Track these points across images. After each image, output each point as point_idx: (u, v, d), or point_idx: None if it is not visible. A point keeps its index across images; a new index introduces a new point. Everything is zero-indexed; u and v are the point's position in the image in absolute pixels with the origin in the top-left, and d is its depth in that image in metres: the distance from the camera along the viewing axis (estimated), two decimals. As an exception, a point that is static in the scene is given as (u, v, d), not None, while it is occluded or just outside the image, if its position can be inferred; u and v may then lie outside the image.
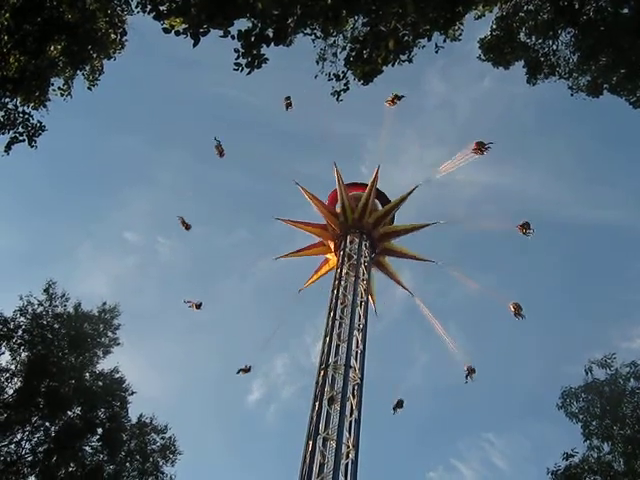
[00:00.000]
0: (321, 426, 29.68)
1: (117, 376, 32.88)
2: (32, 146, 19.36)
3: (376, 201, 47.09)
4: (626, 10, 19.72)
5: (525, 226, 41.48)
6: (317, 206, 46.01)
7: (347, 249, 42.27)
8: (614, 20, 19.48)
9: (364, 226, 44.09)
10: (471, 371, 40.58)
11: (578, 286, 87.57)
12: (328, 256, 45.83)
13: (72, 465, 30.29)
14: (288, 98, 44.54)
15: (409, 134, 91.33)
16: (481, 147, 41.41)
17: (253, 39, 12.28)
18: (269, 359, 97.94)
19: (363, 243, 42.92)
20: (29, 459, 29.95)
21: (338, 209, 45.97)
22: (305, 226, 46.57)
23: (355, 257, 41.56)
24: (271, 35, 12.51)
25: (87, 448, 31.11)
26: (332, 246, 44.85)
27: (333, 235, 44.96)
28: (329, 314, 36.99)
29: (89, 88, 20.66)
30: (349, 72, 14.27)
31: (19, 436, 30.18)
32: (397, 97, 41.30)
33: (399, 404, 40.10)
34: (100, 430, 31.37)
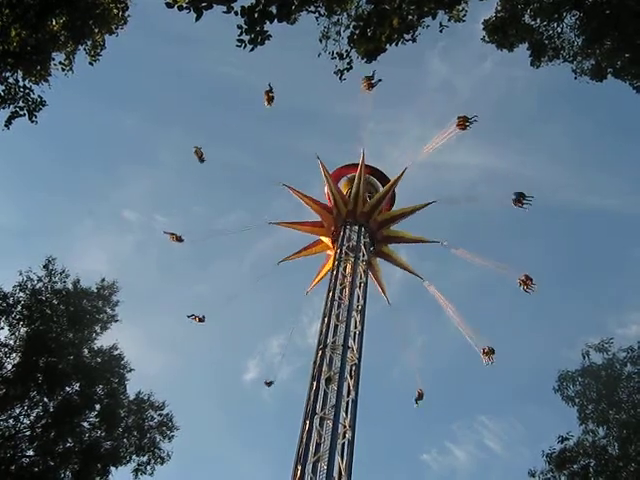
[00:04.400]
0: (318, 406, 29.79)
1: (116, 353, 32.97)
2: (32, 121, 19.26)
3: (377, 182, 46.95)
4: (632, -7, 19.56)
5: (520, 199, 39.31)
6: (310, 205, 45.52)
7: (347, 232, 42.12)
8: (619, 4, 19.33)
9: (360, 217, 43.65)
10: (420, 395, 40.63)
11: (574, 271, 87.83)
12: (329, 252, 45.37)
13: (70, 440, 30.46)
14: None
15: (409, 115, 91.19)
16: (465, 121, 40.28)
17: (256, 15, 12.17)
18: (265, 339, 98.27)
19: (362, 232, 42.58)
20: (27, 434, 30.09)
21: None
22: (300, 226, 46.16)
23: (355, 239, 41.52)
24: (275, 12, 12.41)
25: (85, 424, 31.30)
26: (330, 242, 44.46)
27: (329, 230, 44.60)
28: (328, 294, 37.02)
29: (90, 63, 20.50)
30: (353, 51, 14.18)
31: (17, 411, 30.32)
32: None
33: (420, 396, 40.26)
34: (98, 406, 31.53)
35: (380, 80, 39.18)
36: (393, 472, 72.70)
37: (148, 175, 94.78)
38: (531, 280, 39.05)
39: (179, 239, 46.01)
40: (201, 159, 44.75)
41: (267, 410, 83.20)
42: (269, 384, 44.98)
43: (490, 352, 39.36)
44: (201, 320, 44.66)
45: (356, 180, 44.83)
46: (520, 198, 39.08)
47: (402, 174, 45.22)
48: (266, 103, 38.94)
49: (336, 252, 40.89)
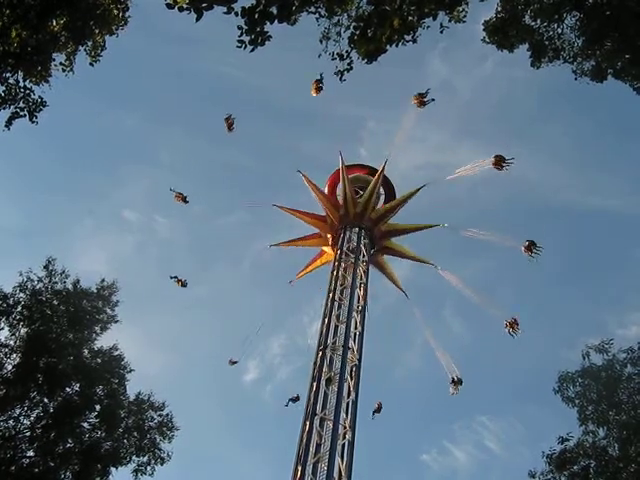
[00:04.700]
0: (318, 407, 29.79)
1: (116, 353, 32.95)
2: (33, 122, 19.28)
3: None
4: (632, -6, 19.57)
5: (530, 247, 39.05)
6: (318, 197, 45.01)
7: (347, 234, 41.97)
8: (620, 5, 19.34)
9: (365, 222, 43.22)
10: (379, 408, 40.35)
11: (575, 271, 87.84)
12: (325, 248, 45.07)
13: (70, 441, 30.42)
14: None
15: (409, 116, 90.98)
16: (501, 162, 39.90)
17: (257, 16, 12.16)
18: (265, 339, 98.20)
19: (363, 235, 42.34)
20: (27, 434, 30.07)
21: (339, 197, 45.35)
22: (304, 216, 45.68)
23: (355, 240, 41.47)
24: (275, 13, 12.40)
25: (85, 424, 31.25)
26: (330, 238, 44.03)
27: (332, 227, 44.11)
28: (328, 295, 37.00)
29: (91, 64, 20.53)
30: (353, 51, 14.17)
31: (17, 412, 30.30)
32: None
33: (379, 409, 40.15)
34: (98, 407, 31.49)
35: (433, 99, 39.45)
36: (393, 472, 72.58)
37: (148, 175, 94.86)
38: (517, 324, 38.80)
39: (184, 200, 45.66)
40: (230, 128, 44.37)
41: (267, 410, 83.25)
42: (234, 363, 44.75)
43: (458, 383, 39.32)
44: (183, 285, 44.73)
45: (341, 184, 44.54)
46: (530, 246, 39.24)
47: (417, 190, 44.65)
48: (313, 92, 38.96)
49: (336, 253, 40.83)
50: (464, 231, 43.39)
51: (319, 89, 38.20)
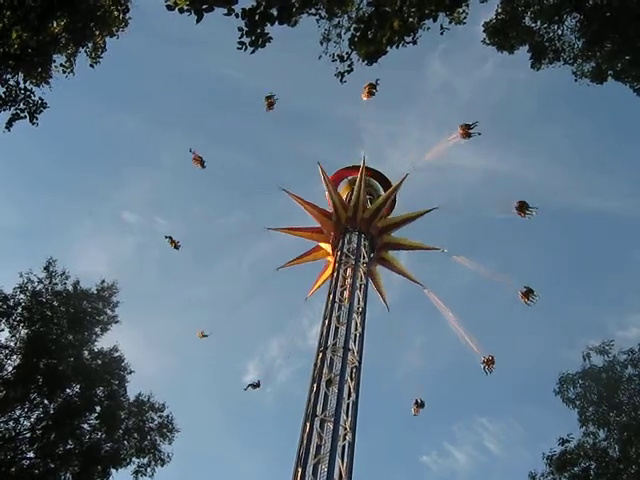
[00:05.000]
0: (319, 408, 29.77)
1: (116, 354, 32.92)
2: (33, 123, 19.30)
3: (377, 184, 46.76)
4: (632, -4, 19.59)
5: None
6: (330, 192, 44.57)
7: (347, 236, 41.84)
8: (620, 6, 19.36)
9: (371, 229, 43.08)
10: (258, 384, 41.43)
11: (575, 273, 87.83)
12: (322, 244, 44.75)
13: (70, 442, 30.38)
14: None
15: (410, 118, 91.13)
16: (525, 209, 39.28)
17: (257, 18, 12.18)
18: (265, 340, 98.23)
19: (364, 237, 42.13)
20: (27, 436, 30.02)
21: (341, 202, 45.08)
22: (310, 207, 45.01)
23: (355, 241, 41.41)
24: (275, 14, 12.41)
25: (85, 426, 31.21)
26: (332, 236, 43.56)
27: (336, 226, 43.53)
28: (328, 297, 36.98)
29: (91, 65, 20.57)
30: (353, 53, 14.17)
31: (18, 413, 30.26)
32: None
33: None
34: (98, 408, 31.45)
35: (479, 133, 40.37)
36: (393, 474, 72.65)
37: (149, 177, 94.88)
38: (493, 362, 38.02)
39: (202, 164, 45.16)
40: (270, 107, 43.58)
41: (267, 411, 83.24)
42: (204, 336, 44.70)
43: (420, 405, 39.03)
44: (176, 247, 45.07)
45: (356, 186, 44.34)
46: (527, 293, 39.22)
47: (403, 180, 44.76)
48: (365, 96, 38.74)
49: (336, 255, 40.78)
50: (459, 257, 43.27)
51: (371, 93, 37.98)
